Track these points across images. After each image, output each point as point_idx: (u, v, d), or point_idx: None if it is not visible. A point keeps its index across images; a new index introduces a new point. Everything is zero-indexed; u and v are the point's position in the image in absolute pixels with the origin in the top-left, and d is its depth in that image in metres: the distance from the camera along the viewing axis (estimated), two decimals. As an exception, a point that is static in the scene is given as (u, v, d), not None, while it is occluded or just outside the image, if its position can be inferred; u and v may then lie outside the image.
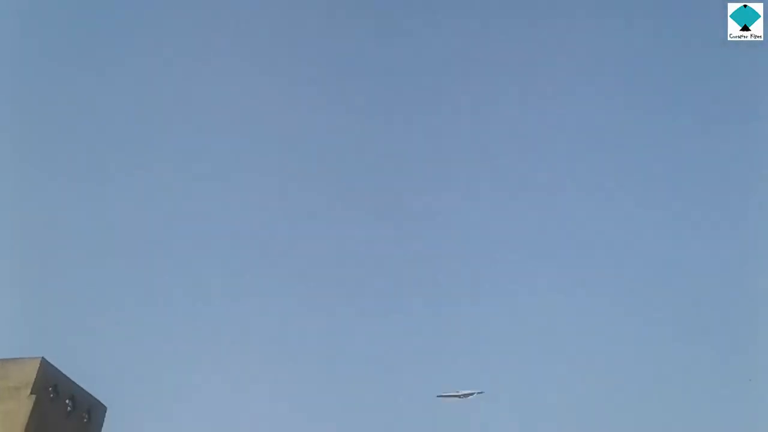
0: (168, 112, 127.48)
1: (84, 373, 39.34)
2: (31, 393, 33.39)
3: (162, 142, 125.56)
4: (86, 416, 37.71)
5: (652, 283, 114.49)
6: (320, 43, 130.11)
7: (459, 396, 45.18)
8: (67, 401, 36.34)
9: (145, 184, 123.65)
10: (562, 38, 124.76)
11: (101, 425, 38.92)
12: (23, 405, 32.87)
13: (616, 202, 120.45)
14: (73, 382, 37.08)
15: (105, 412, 39.30)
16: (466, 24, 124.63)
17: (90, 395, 38.35)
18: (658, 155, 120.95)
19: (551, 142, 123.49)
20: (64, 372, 36.36)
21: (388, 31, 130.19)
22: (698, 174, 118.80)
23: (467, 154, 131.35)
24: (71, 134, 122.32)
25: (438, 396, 44.81)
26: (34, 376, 34.05)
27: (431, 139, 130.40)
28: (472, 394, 46.53)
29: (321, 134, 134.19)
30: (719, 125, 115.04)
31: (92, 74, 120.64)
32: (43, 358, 35.00)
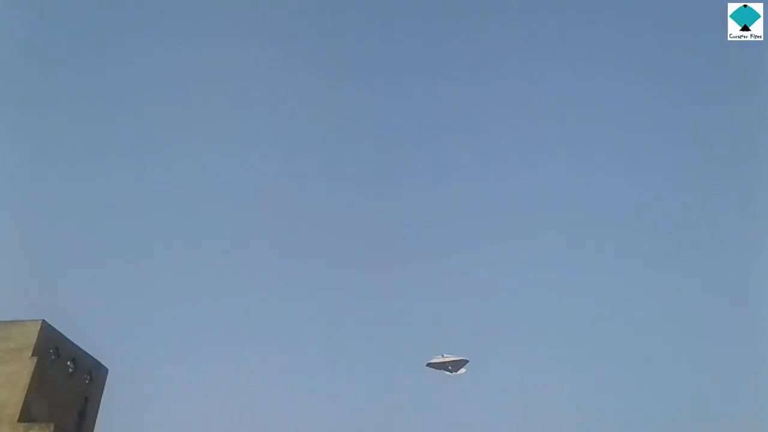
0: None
1: (85, 335, 39.62)
2: (33, 355, 33.51)
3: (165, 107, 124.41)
4: (88, 377, 37.98)
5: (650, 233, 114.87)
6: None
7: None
8: (68, 363, 36.53)
9: (147, 142, 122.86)
10: (561, 38, 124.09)
11: (103, 386, 39.21)
12: (25, 367, 33.02)
13: (615, 202, 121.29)
14: (74, 344, 37.23)
15: (106, 373, 39.59)
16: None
17: (91, 357, 38.57)
18: (657, 155, 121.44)
19: (551, 144, 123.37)
20: (65, 334, 36.47)
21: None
22: (698, 174, 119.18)
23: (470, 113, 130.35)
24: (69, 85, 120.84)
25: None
26: (36, 338, 34.14)
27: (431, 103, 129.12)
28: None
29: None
30: (719, 125, 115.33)
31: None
32: (43, 320, 35.05)
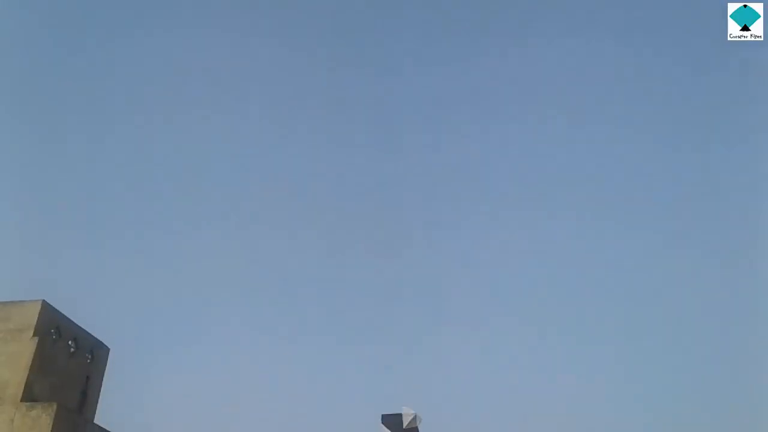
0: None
1: (85, 316, 39.72)
2: (34, 335, 33.55)
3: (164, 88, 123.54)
4: (89, 357, 38.11)
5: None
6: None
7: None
8: (69, 342, 36.62)
9: (146, 117, 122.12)
10: (559, 38, 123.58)
11: (105, 365, 39.36)
12: (26, 347, 33.10)
13: (613, 200, 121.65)
14: (75, 324, 37.29)
15: (108, 352, 39.71)
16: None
17: (92, 336, 38.65)
18: (657, 155, 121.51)
19: (550, 144, 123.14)
20: (65, 315, 36.51)
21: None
22: (697, 174, 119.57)
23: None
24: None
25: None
26: (36, 318, 34.17)
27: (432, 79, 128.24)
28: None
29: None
30: (719, 125, 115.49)
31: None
32: (44, 300, 35.06)
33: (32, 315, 34.22)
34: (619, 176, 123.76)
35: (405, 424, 30.57)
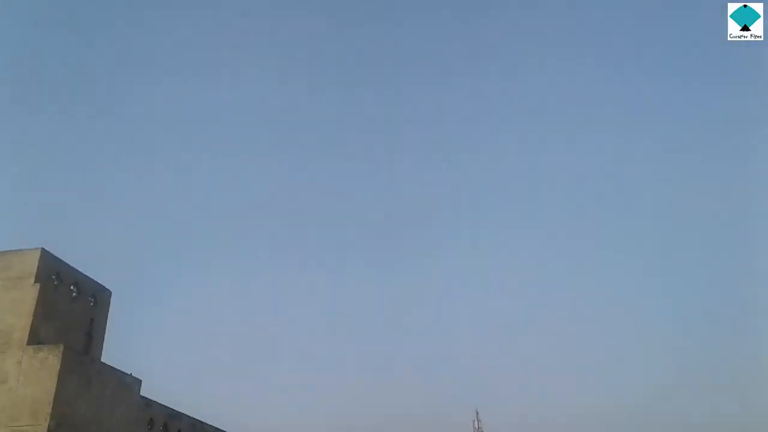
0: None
1: (85, 260, 40.66)
2: (35, 281, 34.53)
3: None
4: (92, 300, 39.29)
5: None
6: None
7: None
8: (71, 287, 37.70)
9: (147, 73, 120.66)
10: (558, 38, 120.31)
11: (108, 308, 40.61)
12: (28, 293, 34.15)
13: (612, 202, 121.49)
14: (76, 269, 38.24)
15: (110, 295, 40.88)
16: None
17: (94, 281, 39.70)
18: (657, 155, 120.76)
19: (549, 144, 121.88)
20: (65, 261, 37.44)
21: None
22: (698, 174, 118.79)
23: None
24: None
25: None
26: (36, 265, 35.09)
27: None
28: None
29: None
30: (719, 125, 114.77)
31: None
32: (43, 248, 35.89)
33: (32, 262, 35.13)
34: (619, 177, 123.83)
35: None
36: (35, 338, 33.11)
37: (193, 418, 45.06)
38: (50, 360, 31.60)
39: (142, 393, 38.43)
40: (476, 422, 72.03)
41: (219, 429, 48.02)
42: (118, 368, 36.55)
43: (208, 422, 47.04)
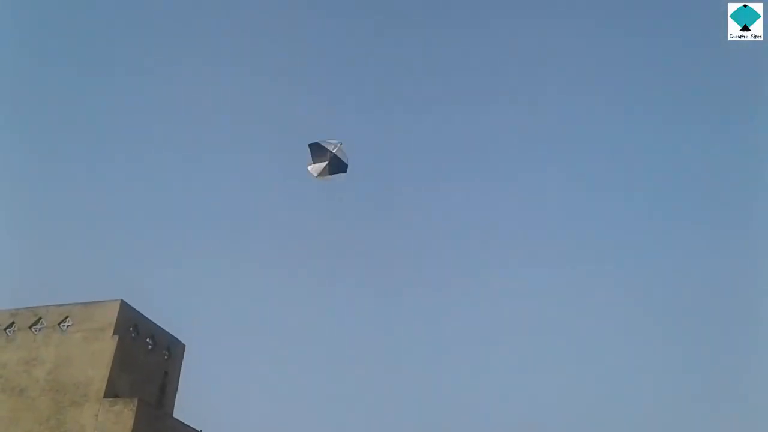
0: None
1: (159, 314, 41.16)
2: (114, 333, 34.98)
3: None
4: (167, 353, 39.51)
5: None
6: None
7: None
8: (147, 340, 38.05)
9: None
10: (558, 38, 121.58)
11: (181, 361, 40.74)
12: (108, 345, 34.59)
13: (613, 201, 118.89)
14: (152, 322, 38.71)
15: (184, 348, 41.06)
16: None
17: (169, 333, 40.04)
18: (656, 155, 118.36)
19: (549, 144, 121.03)
20: (142, 313, 37.97)
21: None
22: (697, 174, 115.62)
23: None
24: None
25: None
26: (116, 317, 35.64)
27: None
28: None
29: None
30: (719, 125, 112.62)
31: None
32: (122, 300, 36.55)
33: (112, 314, 35.72)
34: (616, 178, 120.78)
35: (332, 149, 28.24)
36: (111, 390, 33.30)
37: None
38: (125, 414, 31.61)
39: (211, 449, 37.88)
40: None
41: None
42: (189, 424, 36.24)
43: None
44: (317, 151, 28.58)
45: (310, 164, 28.54)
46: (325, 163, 28.38)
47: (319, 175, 28.35)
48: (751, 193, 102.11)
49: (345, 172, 28.70)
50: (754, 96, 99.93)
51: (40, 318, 36.47)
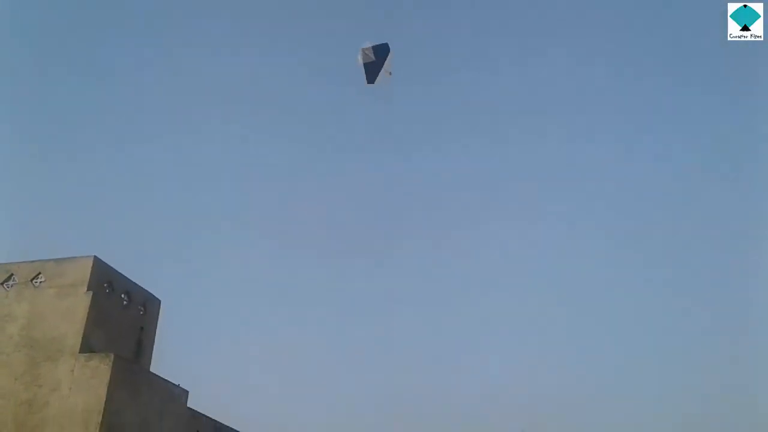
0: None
1: (135, 270, 40.85)
2: (88, 289, 34.67)
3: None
4: (142, 309, 39.38)
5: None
6: None
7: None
8: (122, 296, 37.83)
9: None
10: (557, 38, 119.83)
11: (157, 317, 40.68)
12: (81, 300, 34.31)
13: (613, 201, 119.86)
14: (127, 278, 38.40)
15: (159, 304, 40.95)
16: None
17: (144, 289, 39.81)
18: (656, 155, 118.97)
19: (548, 143, 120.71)
20: (116, 269, 37.61)
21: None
22: (697, 174, 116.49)
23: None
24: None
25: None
26: (89, 273, 35.26)
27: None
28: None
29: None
30: (719, 125, 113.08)
31: None
32: (95, 256, 36.11)
33: (85, 270, 35.32)
34: (614, 180, 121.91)
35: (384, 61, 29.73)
36: (86, 346, 33.18)
37: (237, 431, 44.65)
38: (101, 368, 31.58)
39: (189, 404, 38.17)
40: (523, 436, 70.19)
41: (263, 442, 47.49)
42: (167, 378, 36.42)
43: (252, 435, 46.59)
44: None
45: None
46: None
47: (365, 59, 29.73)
48: (751, 193, 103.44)
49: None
50: (755, 96, 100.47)
51: (12, 275, 35.97)
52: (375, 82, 29.62)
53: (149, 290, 40.27)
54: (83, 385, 31.09)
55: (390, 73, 29.93)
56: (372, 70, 29.58)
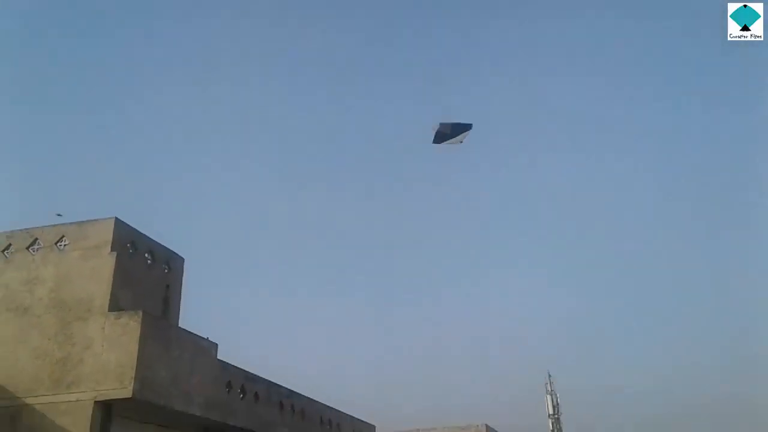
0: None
1: (158, 228, 41.21)
2: (112, 250, 35.14)
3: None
4: (166, 267, 39.91)
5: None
6: None
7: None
8: (146, 255, 38.32)
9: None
10: (557, 38, 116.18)
11: (182, 275, 41.24)
12: (106, 261, 34.80)
13: (614, 201, 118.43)
14: (149, 237, 38.79)
15: (183, 262, 41.45)
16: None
17: (166, 248, 40.24)
18: (656, 155, 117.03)
19: (548, 143, 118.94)
20: (138, 230, 37.98)
21: None
22: (697, 174, 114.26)
23: None
24: None
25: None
26: (111, 235, 35.68)
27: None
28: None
29: None
30: (719, 125, 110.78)
31: None
32: (116, 217, 36.45)
33: (107, 232, 35.71)
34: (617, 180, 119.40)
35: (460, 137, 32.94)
36: (115, 305, 33.82)
37: (269, 381, 45.74)
38: (131, 325, 32.24)
39: (219, 357, 39.03)
40: (549, 385, 71.02)
41: (292, 391, 48.68)
42: (195, 332, 37.16)
43: (282, 384, 47.72)
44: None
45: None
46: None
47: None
48: (752, 194, 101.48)
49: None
50: (755, 96, 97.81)
51: (36, 239, 36.49)
52: (440, 143, 32.25)
53: (173, 249, 40.73)
54: (115, 341, 31.84)
55: (461, 142, 31.96)
56: (443, 138, 32.03)
